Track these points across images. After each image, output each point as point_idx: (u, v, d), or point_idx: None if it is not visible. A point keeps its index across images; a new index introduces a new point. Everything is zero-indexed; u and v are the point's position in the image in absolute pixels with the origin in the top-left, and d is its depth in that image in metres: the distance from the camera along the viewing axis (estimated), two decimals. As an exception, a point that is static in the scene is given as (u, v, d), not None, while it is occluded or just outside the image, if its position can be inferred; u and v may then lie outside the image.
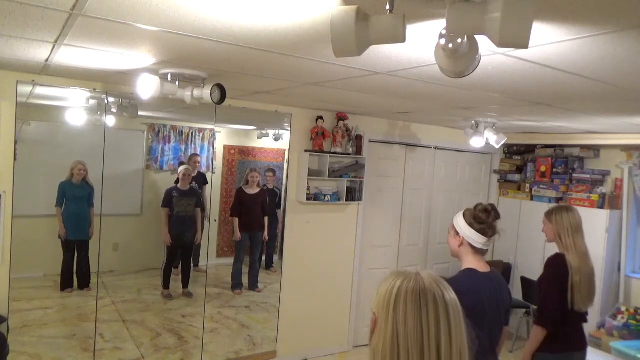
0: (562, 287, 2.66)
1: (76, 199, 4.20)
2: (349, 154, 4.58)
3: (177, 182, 4.81)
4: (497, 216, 2.11)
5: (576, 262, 2.66)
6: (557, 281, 2.67)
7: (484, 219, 2.08)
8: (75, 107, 4.00)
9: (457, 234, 2.14)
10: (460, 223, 2.13)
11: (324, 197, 4.51)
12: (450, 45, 1.34)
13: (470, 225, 2.09)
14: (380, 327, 1.09)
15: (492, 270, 2.15)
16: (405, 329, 1.04)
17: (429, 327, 1.04)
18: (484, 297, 2.03)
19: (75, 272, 4.28)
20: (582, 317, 2.78)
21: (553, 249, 2.87)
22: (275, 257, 5.40)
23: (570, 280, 2.64)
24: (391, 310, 1.07)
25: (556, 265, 2.71)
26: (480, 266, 2.10)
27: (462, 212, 2.17)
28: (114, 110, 3.86)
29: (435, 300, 1.07)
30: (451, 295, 1.11)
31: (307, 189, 4.39)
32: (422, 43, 1.80)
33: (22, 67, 2.97)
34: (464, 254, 2.14)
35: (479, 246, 2.09)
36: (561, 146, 5.26)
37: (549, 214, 2.84)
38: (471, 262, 2.11)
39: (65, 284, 4.27)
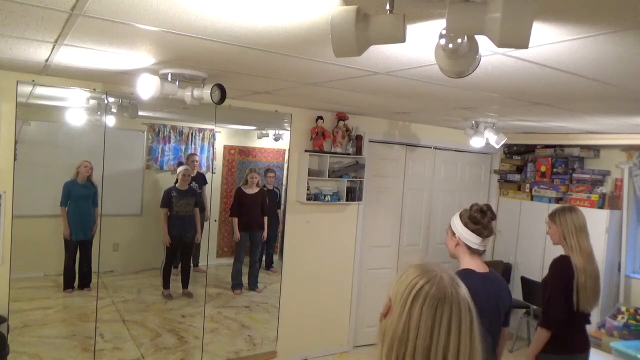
0: (567, 289, 2.65)
1: (81, 199, 4.20)
2: (349, 154, 4.57)
3: (176, 182, 4.81)
4: (493, 217, 2.12)
5: (581, 263, 2.65)
6: (562, 283, 2.66)
7: (479, 219, 2.09)
8: (75, 107, 4.00)
9: (454, 234, 2.15)
10: (457, 223, 2.14)
11: (324, 197, 4.51)
12: (450, 45, 1.34)
13: (466, 225, 2.11)
14: (394, 314, 1.12)
15: (490, 270, 2.15)
16: (417, 331, 1.07)
17: (439, 337, 1.07)
18: (480, 297, 2.02)
19: (77, 272, 4.29)
20: (586, 318, 2.78)
21: (554, 248, 2.86)
22: (275, 257, 5.40)
23: (576, 281, 2.63)
24: (407, 306, 1.10)
25: (561, 267, 2.70)
26: (478, 266, 2.11)
27: (459, 212, 2.18)
28: (114, 110, 3.87)
29: (450, 311, 1.09)
30: (469, 301, 1.14)
31: (307, 189, 4.39)
32: (422, 43, 1.80)
33: (22, 67, 2.97)
34: (460, 254, 2.15)
35: (474, 246, 2.10)
36: (561, 146, 5.25)
37: (552, 216, 2.82)
38: (468, 262, 2.12)
39: (68, 283, 4.27)
